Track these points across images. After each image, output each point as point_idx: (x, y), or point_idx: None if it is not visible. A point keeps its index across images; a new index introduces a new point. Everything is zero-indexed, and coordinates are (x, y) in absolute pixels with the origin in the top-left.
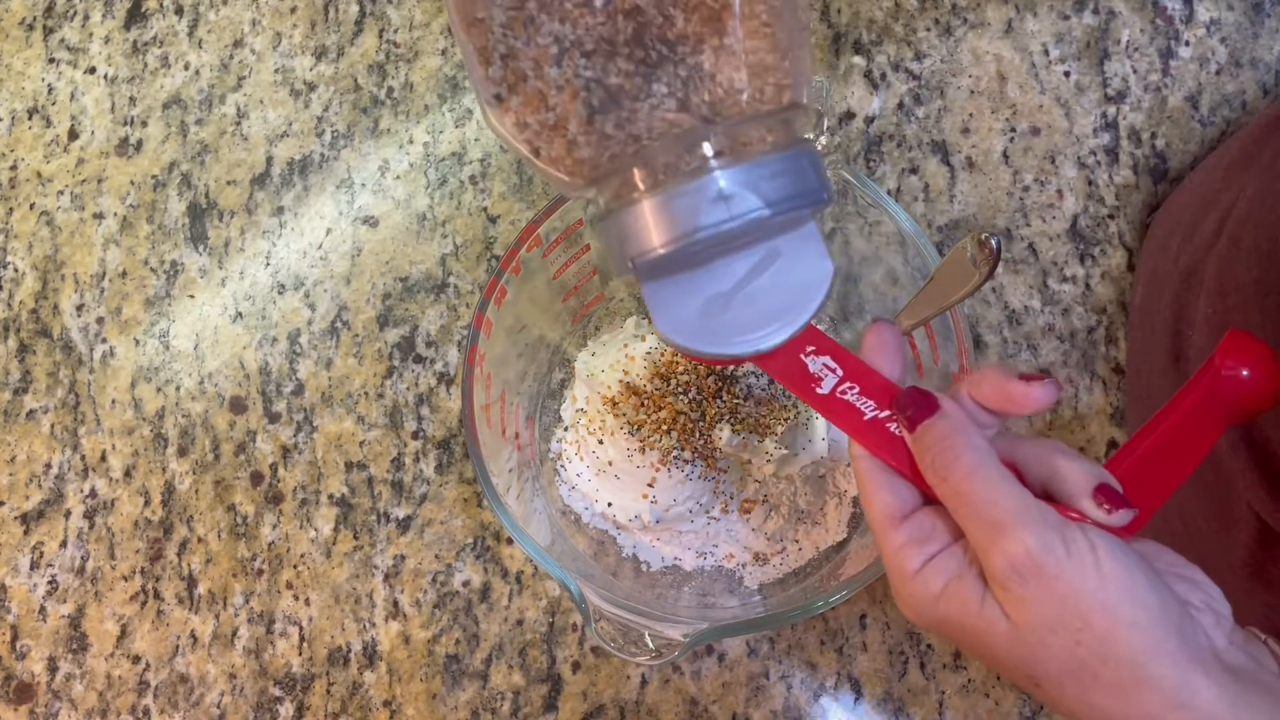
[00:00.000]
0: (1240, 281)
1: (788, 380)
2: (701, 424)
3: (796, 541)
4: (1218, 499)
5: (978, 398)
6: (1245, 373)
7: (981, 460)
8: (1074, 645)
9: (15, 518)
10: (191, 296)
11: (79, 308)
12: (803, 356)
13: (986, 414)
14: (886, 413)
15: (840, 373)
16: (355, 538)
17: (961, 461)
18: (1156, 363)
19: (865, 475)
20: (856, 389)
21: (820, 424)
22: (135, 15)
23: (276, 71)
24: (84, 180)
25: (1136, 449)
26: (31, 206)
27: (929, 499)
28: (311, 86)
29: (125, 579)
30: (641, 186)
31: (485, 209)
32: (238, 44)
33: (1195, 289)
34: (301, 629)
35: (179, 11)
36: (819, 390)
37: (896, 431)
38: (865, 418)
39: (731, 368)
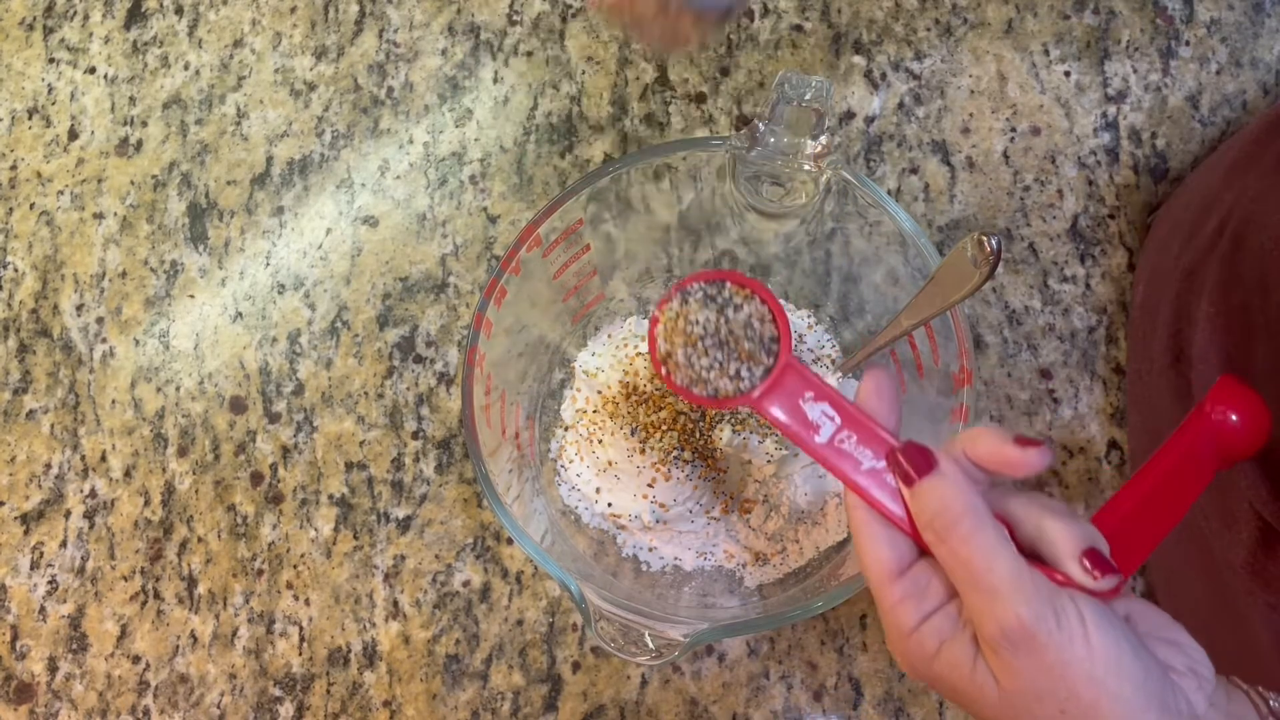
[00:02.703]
0: (1242, 281)
1: (786, 427)
2: (702, 424)
3: (796, 541)
4: (1219, 498)
5: (973, 456)
6: (1235, 418)
7: (978, 524)
8: (1059, 714)
9: (15, 518)
10: (191, 296)
11: (79, 308)
12: (801, 403)
13: (980, 470)
14: (883, 463)
15: (838, 421)
16: (355, 538)
17: (960, 525)
18: (1157, 362)
19: (861, 526)
20: (854, 438)
21: None
22: (135, 15)
23: (276, 71)
24: (84, 180)
25: (1128, 499)
26: (31, 206)
27: (924, 550)
28: (311, 86)
29: (125, 579)
30: None
31: (485, 209)
32: (238, 44)
33: (1197, 288)
34: (301, 629)
35: (179, 11)
36: (816, 438)
37: (893, 482)
38: (862, 468)
39: None
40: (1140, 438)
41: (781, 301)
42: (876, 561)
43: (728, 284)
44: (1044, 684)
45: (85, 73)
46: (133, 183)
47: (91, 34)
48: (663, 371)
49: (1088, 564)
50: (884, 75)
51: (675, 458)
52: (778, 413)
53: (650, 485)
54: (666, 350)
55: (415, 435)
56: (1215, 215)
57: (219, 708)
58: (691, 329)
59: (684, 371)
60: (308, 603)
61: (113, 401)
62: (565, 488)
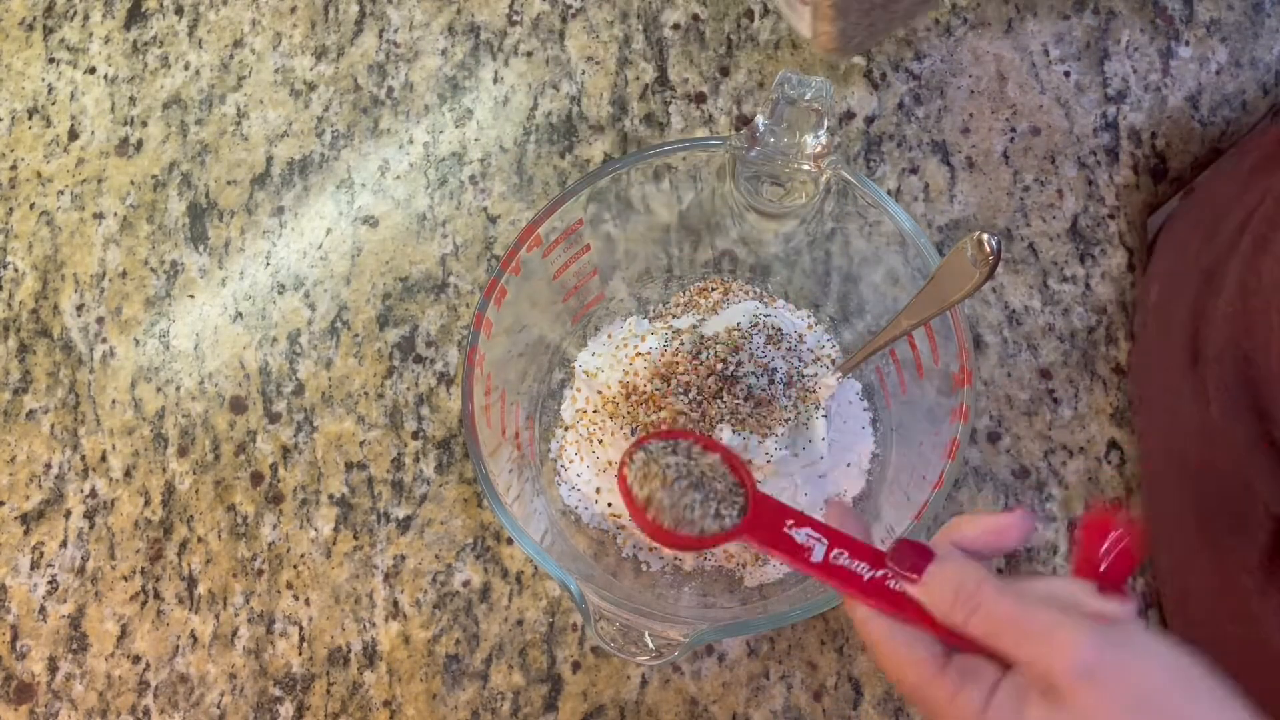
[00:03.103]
0: (1262, 282)
1: (781, 553)
2: (702, 425)
3: None
4: (1234, 500)
5: (960, 541)
6: (1104, 568)
7: (1001, 583)
8: None
9: (15, 518)
10: (191, 296)
11: (79, 308)
12: (786, 531)
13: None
14: (881, 571)
15: (826, 541)
16: (355, 538)
17: (984, 589)
18: (1173, 360)
19: (883, 637)
20: (846, 554)
21: (821, 424)
22: (135, 15)
23: (276, 71)
24: (84, 180)
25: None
26: (31, 206)
27: (948, 643)
28: (311, 86)
29: (125, 579)
30: None
31: (485, 209)
32: (238, 44)
33: (1215, 289)
34: (301, 629)
35: (179, 11)
36: (813, 559)
37: (896, 587)
38: (865, 579)
39: (733, 368)
40: (1151, 439)
41: (780, 302)
42: (914, 664)
43: (681, 442)
44: (1131, 701)
45: (85, 73)
46: (133, 183)
47: (91, 34)
48: (648, 516)
49: (1105, 592)
50: (884, 75)
51: None
52: (768, 541)
53: None
54: (646, 495)
55: (415, 435)
56: (1236, 215)
57: (219, 708)
58: (665, 471)
59: (669, 513)
60: (308, 603)
61: (113, 401)
62: (565, 488)
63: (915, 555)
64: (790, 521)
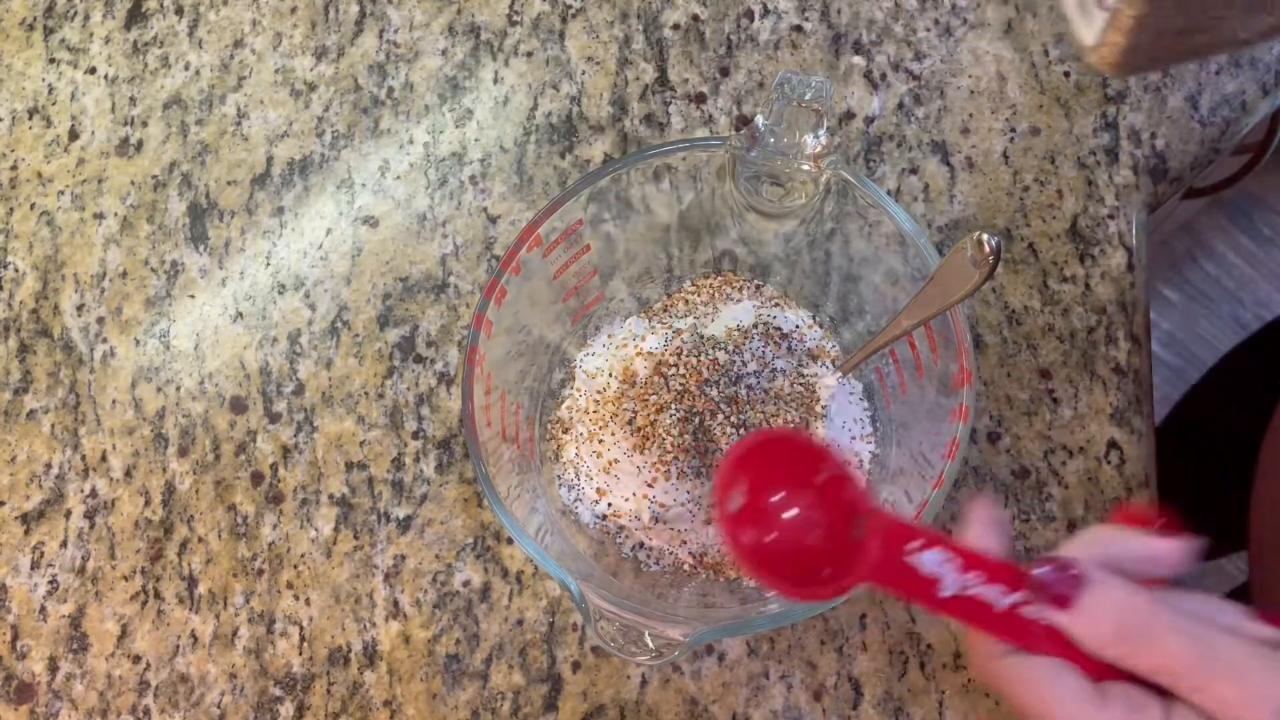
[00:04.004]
0: None
1: (903, 589)
2: (701, 425)
3: None
4: None
5: (1106, 565)
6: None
7: (1174, 616)
8: None
9: (15, 518)
10: (192, 296)
11: (79, 308)
12: (908, 560)
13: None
14: (1017, 596)
15: (959, 564)
16: (355, 538)
17: (1154, 625)
18: None
19: (1022, 676)
20: (982, 577)
21: (819, 425)
22: (135, 15)
23: (277, 72)
24: (84, 180)
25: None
26: (32, 206)
27: (1090, 675)
28: (312, 86)
29: (125, 579)
30: None
31: (485, 209)
32: (238, 44)
33: None
34: (302, 629)
35: (179, 11)
36: (942, 592)
37: (1037, 617)
38: (997, 609)
39: (734, 368)
40: None
41: (779, 302)
42: (1064, 702)
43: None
44: None
45: (85, 73)
46: (133, 183)
47: (92, 34)
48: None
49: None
50: (884, 75)
51: (675, 457)
52: (888, 576)
53: (650, 485)
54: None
55: (415, 435)
56: None
57: (219, 707)
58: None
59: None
60: (308, 602)
61: (113, 401)
62: (565, 488)
63: (1064, 581)
64: (914, 543)
